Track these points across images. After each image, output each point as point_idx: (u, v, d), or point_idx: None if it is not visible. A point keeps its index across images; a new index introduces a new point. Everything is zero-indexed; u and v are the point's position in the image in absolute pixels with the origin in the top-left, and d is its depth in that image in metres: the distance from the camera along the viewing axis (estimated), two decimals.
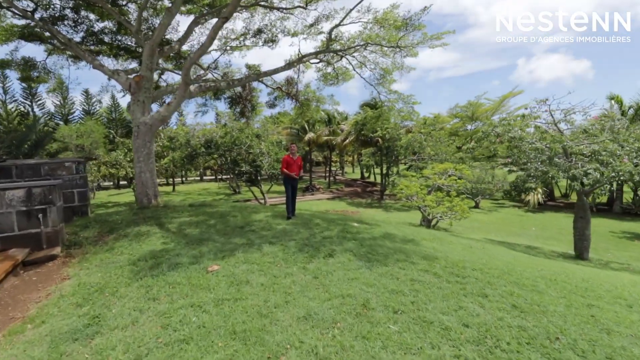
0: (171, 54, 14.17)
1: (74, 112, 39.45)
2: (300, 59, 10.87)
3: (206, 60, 14.48)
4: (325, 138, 33.53)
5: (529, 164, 9.90)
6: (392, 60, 11.94)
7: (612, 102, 22.12)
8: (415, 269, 4.48)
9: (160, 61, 14.94)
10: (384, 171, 28.65)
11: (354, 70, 11.90)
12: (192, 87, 9.52)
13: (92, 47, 13.37)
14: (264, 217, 7.89)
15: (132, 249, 5.56)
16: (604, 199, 25.23)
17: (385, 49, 11.47)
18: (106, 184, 38.78)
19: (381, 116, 17.22)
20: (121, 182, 39.24)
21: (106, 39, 13.34)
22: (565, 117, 9.06)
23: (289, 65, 10.65)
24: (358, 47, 10.87)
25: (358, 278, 4.11)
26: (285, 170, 7.65)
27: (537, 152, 9.14)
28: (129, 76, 9.26)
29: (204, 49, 8.03)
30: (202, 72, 13.23)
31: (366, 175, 49.31)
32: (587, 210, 10.66)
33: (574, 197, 28.73)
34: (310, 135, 33.13)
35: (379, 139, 27.63)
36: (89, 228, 7.12)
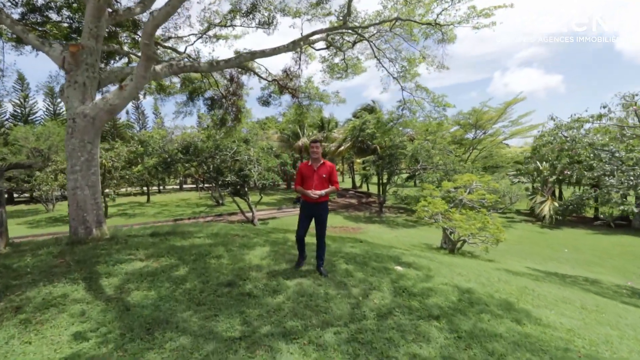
0: (136, 35, 11.28)
1: (36, 112, 35.39)
2: (308, 37, 8.26)
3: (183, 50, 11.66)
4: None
5: (608, 178, 7.56)
6: (422, 48, 9.51)
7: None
8: None
9: (126, 48, 11.99)
10: (384, 181, 26.20)
11: (375, 57, 9.36)
12: (158, 67, 6.70)
13: (38, 28, 10.36)
14: (262, 260, 5.13)
15: (7, 355, 2.70)
16: (614, 212, 23.55)
17: (415, 31, 9.06)
18: None
19: (400, 119, 14.58)
20: None
21: (54, 17, 10.39)
22: None
23: (294, 44, 8.00)
24: (383, 23, 8.35)
25: None
26: (299, 187, 4.54)
27: (632, 163, 6.81)
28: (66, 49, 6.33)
29: (175, 3, 5.31)
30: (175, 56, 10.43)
31: (358, 184, 46.85)
32: None
33: (584, 211, 26.97)
34: (303, 140, 30.44)
35: (378, 147, 25.47)
36: None
